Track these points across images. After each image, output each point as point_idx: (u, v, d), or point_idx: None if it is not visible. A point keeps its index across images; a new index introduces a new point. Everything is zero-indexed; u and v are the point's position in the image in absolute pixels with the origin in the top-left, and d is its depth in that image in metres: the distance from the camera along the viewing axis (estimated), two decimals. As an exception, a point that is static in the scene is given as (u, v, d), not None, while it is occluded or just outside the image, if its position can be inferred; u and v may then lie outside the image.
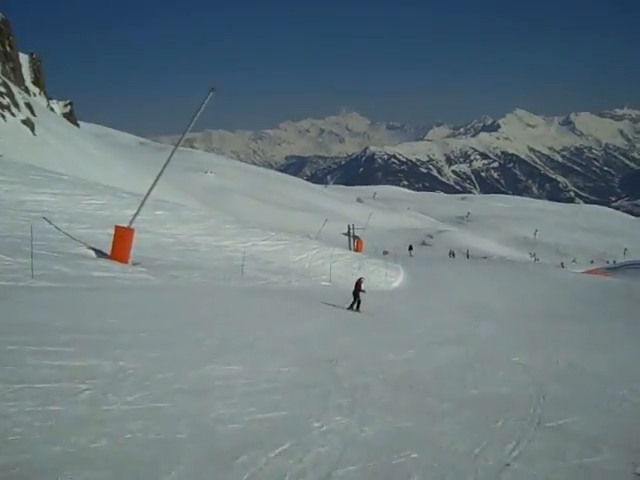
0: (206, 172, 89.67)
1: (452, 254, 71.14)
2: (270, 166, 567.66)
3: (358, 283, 19.78)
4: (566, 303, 30.68)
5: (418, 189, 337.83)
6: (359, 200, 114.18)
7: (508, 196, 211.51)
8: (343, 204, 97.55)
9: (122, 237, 18.91)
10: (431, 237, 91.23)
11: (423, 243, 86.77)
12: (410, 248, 64.48)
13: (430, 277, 36.91)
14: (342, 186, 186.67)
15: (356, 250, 47.01)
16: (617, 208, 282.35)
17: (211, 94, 20.64)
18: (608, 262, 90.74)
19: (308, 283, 26.24)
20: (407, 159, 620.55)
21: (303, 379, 9.18)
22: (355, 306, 19.11)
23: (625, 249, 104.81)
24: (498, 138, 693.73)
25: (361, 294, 19.36)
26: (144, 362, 8.21)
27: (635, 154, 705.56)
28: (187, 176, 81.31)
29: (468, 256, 69.50)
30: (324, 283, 27.14)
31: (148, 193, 20.35)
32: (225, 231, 31.54)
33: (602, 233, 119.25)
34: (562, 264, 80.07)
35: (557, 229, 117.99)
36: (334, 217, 79.06)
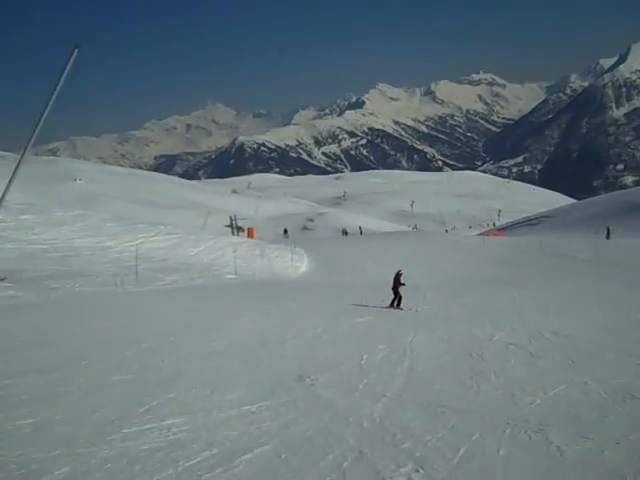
0: (75, 179, 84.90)
1: (345, 232, 69.97)
2: (140, 168, 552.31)
3: (397, 276, 17.24)
4: (494, 268, 29.83)
5: (290, 174, 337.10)
6: (234, 191, 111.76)
7: (381, 171, 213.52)
8: (220, 197, 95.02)
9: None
10: (312, 221, 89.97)
11: (304, 228, 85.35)
12: (285, 232, 63.05)
13: (337, 258, 34.52)
14: (216, 179, 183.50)
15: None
16: (484, 172, 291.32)
17: (76, 52, 16.38)
18: (488, 225, 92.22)
19: (212, 278, 23.87)
20: (276, 146, 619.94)
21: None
22: (396, 303, 16.66)
23: (499, 211, 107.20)
24: (364, 115, 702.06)
25: (401, 289, 16.92)
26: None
27: (495, 117, 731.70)
28: (53, 186, 76.61)
29: (361, 232, 68.38)
30: (230, 276, 24.96)
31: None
32: (107, 230, 28.76)
33: (475, 197, 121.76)
34: (446, 232, 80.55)
35: (432, 198, 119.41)
36: (214, 211, 76.71)
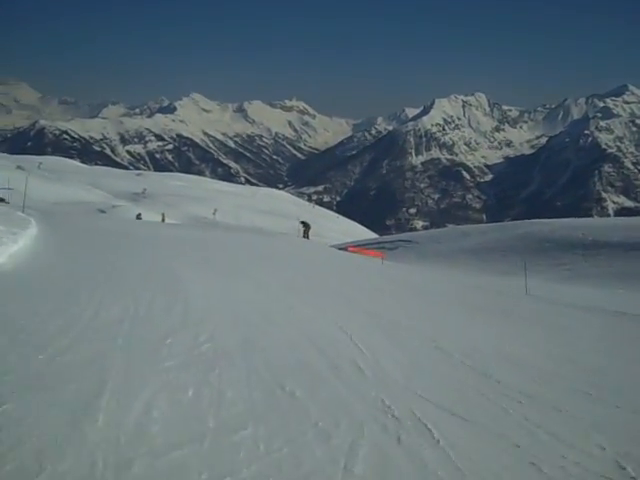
0: None
1: (138, 217, 63.64)
2: None
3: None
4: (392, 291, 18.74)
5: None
6: (20, 167, 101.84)
7: (186, 175, 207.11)
8: (1, 171, 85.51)
9: None
10: (103, 212, 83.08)
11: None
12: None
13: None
14: (3, 154, 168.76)
15: None
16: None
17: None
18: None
19: None
20: (80, 136, 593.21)
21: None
22: None
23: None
24: (174, 120, 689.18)
25: None
26: None
27: (301, 144, 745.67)
28: None
29: (163, 220, 62.26)
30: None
31: None
32: None
33: (279, 216, 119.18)
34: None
35: (236, 210, 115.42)
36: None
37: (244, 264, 19.71)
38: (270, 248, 28.74)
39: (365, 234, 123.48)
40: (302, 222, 48.02)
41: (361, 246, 53.28)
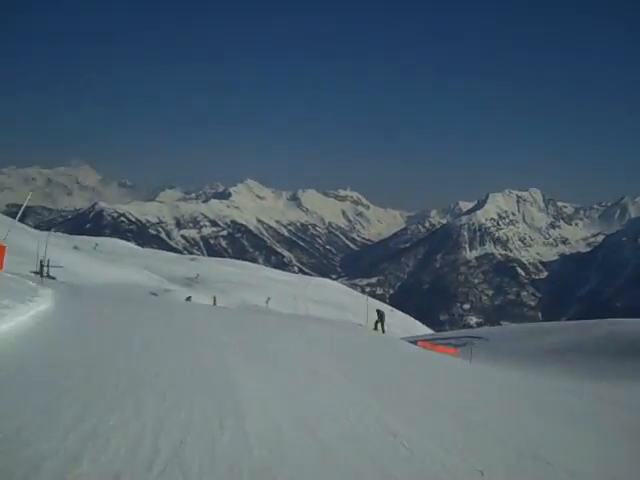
0: None
1: (188, 299, 61.37)
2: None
3: None
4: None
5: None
6: (76, 247, 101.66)
7: (239, 261, 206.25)
8: (57, 249, 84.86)
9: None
10: (155, 294, 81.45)
11: (146, 302, 76.57)
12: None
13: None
14: (63, 234, 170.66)
15: None
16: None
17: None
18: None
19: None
20: (137, 219, 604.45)
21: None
22: None
23: (360, 325, 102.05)
24: (229, 206, 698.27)
25: None
26: None
27: (355, 235, 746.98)
28: None
29: (215, 303, 59.73)
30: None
31: None
32: None
33: (332, 306, 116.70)
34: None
35: (289, 299, 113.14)
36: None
37: (315, 362, 15.55)
38: (339, 341, 24.83)
39: (420, 329, 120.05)
40: (377, 310, 43.53)
41: (428, 341, 50.18)
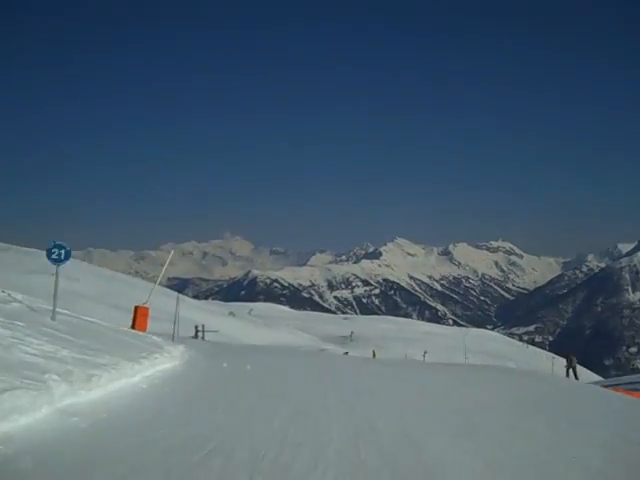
0: (53, 274, 76.80)
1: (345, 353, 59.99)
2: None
3: None
4: None
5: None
6: (232, 314, 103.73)
7: (393, 317, 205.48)
8: (213, 316, 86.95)
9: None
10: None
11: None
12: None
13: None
14: (219, 302, 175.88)
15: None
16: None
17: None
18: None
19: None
20: (289, 284, 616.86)
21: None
22: None
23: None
24: (380, 265, 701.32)
25: None
26: None
27: (509, 285, 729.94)
28: (29, 279, 68.60)
29: (374, 356, 58.35)
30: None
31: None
32: None
33: (491, 356, 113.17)
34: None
35: (445, 352, 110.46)
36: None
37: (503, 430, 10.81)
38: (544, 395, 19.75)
39: (588, 376, 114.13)
40: (566, 355, 38.70)
41: (616, 386, 45.77)
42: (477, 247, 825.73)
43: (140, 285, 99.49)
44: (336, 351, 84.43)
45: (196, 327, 49.25)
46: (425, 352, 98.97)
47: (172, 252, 19.93)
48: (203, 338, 46.75)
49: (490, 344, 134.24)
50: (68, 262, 14.80)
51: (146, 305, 25.00)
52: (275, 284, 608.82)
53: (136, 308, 26.97)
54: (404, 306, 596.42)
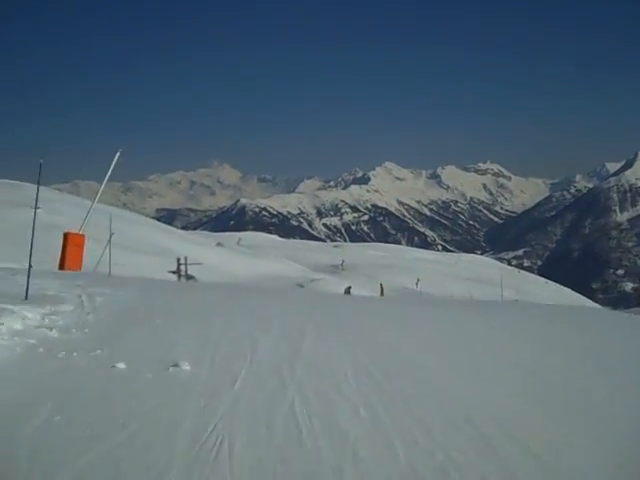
0: (32, 207, 73.66)
1: (347, 291, 57.17)
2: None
3: None
4: None
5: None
6: (219, 244, 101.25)
7: (384, 244, 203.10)
8: (200, 248, 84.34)
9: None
10: (302, 286, 79.37)
11: (293, 293, 74.27)
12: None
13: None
14: (206, 232, 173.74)
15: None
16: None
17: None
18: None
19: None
20: (278, 212, 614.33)
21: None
22: None
23: (516, 300, 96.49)
24: (368, 191, 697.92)
25: None
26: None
27: (498, 208, 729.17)
28: (5, 212, 65.51)
29: (382, 293, 54.26)
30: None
31: None
32: None
33: (483, 283, 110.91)
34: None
35: (438, 279, 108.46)
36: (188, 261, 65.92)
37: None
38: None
39: (575, 298, 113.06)
40: None
41: None
42: (465, 169, 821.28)
43: (125, 216, 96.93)
44: (329, 282, 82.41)
45: (178, 260, 45.89)
46: (418, 280, 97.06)
47: (119, 152, 17.03)
48: (187, 275, 44.09)
49: (483, 270, 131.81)
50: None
51: (80, 233, 21.24)
52: (264, 212, 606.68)
53: (66, 236, 21.37)
54: (393, 232, 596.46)
